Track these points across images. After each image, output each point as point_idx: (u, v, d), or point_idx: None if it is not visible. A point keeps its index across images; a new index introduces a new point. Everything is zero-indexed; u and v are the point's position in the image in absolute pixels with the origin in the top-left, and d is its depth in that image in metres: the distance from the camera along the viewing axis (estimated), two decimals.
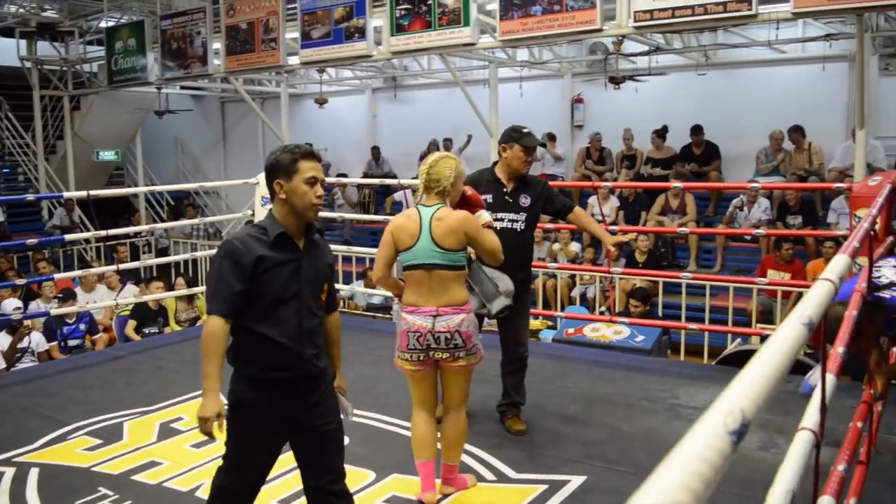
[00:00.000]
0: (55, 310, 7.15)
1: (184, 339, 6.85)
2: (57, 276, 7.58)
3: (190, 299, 8.15)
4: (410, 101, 14.72)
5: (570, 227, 7.56)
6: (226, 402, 2.77)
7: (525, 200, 4.32)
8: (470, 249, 3.82)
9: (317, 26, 9.88)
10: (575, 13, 7.91)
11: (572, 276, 9.15)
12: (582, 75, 12.70)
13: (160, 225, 11.55)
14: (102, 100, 14.29)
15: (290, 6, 10.31)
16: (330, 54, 9.92)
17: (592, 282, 9.09)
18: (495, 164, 4.48)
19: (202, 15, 11.26)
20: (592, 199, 10.13)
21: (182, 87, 14.98)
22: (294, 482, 3.82)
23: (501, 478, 3.85)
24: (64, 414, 4.86)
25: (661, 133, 11.17)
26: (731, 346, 6.46)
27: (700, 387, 4.98)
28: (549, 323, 7.77)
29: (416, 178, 3.92)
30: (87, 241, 11.60)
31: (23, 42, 13.94)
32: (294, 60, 10.69)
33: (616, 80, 10.82)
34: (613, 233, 4.98)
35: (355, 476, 3.83)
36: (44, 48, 14.23)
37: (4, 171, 14.43)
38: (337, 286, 8.34)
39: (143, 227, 10.96)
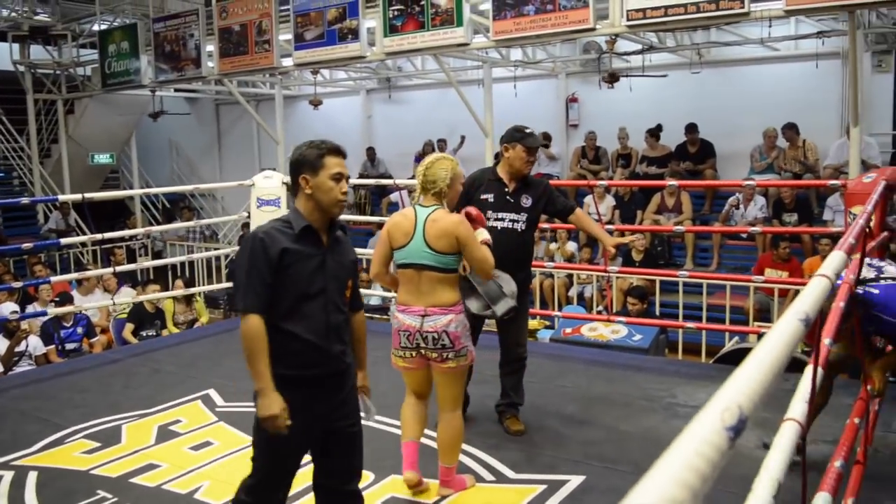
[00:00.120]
0: (52, 310, 7.13)
1: (181, 342, 6.86)
2: (53, 279, 7.58)
3: (188, 301, 8.14)
4: (405, 101, 14.72)
5: (567, 226, 7.56)
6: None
7: (526, 201, 4.32)
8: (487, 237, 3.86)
9: (310, 28, 9.88)
10: (568, 12, 7.92)
11: (569, 276, 9.16)
12: (576, 74, 12.72)
13: (156, 228, 11.53)
14: (96, 103, 14.27)
15: (282, 8, 10.30)
16: (323, 56, 9.91)
17: (590, 281, 9.10)
18: (497, 163, 4.48)
19: (195, 17, 11.24)
20: (588, 199, 10.14)
21: (176, 90, 14.94)
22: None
23: (500, 478, 3.85)
24: (62, 417, 4.86)
25: (654, 132, 11.18)
26: (729, 345, 6.47)
27: (698, 385, 4.99)
28: (547, 323, 7.78)
29: (412, 178, 3.94)
30: (84, 244, 11.58)
31: (15, 46, 13.92)
32: (288, 62, 10.68)
33: (610, 79, 10.84)
34: (610, 233, 4.99)
35: None
36: (37, 52, 14.20)
37: None
38: None
39: (139, 230, 10.94)
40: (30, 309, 8.05)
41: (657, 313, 7.27)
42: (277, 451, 2.76)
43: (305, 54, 10.03)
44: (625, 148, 11.55)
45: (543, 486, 3.70)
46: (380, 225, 3.80)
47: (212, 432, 4.56)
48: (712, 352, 6.43)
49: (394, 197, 12.37)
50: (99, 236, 7.39)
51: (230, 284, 8.39)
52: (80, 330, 7.67)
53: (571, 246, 9.92)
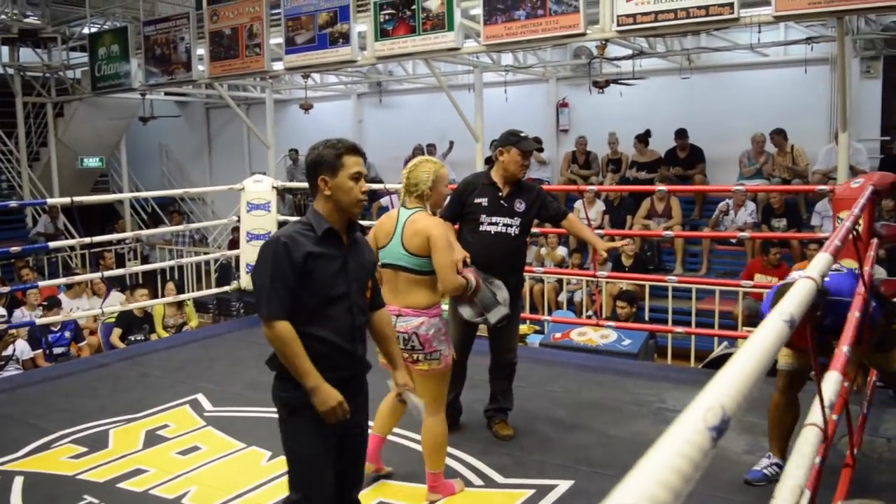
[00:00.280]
0: (40, 319, 7.08)
1: (170, 346, 6.82)
2: (41, 283, 7.53)
3: (178, 304, 8.11)
4: (396, 106, 14.72)
5: (558, 231, 7.57)
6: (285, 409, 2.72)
7: (520, 206, 4.32)
8: (465, 254, 3.87)
9: (301, 32, 9.87)
10: (558, 17, 7.94)
11: (559, 281, 9.17)
12: (566, 79, 12.75)
13: (145, 231, 11.48)
14: (86, 106, 14.22)
15: (273, 12, 10.29)
16: (314, 60, 9.90)
17: (580, 286, 9.11)
18: (490, 167, 4.48)
19: (186, 21, 11.22)
20: (578, 204, 10.16)
21: (166, 94, 14.92)
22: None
23: (489, 483, 3.85)
24: (48, 422, 4.82)
25: (643, 138, 11.22)
26: (718, 350, 6.48)
27: (686, 390, 5.00)
28: (537, 327, 7.78)
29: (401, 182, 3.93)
30: (72, 248, 11.53)
31: (5, 48, 13.86)
32: (279, 66, 10.67)
33: (600, 84, 10.87)
34: (601, 237, 5.00)
35: None
36: (26, 55, 14.14)
37: None
38: None
39: (128, 234, 10.89)
40: (17, 312, 8.01)
41: (646, 318, 7.29)
42: (316, 458, 2.72)
43: (296, 58, 10.02)
44: (615, 153, 11.58)
45: (532, 491, 3.70)
46: (370, 228, 3.82)
47: (200, 437, 4.53)
48: (701, 356, 6.45)
49: (384, 201, 12.36)
50: (87, 240, 7.35)
51: (220, 290, 8.36)
52: (67, 334, 7.62)
53: (562, 251, 9.94)
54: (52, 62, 14.04)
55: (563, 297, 9.06)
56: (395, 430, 4.29)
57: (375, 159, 14.08)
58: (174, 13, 11.85)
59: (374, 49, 9.34)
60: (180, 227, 11.34)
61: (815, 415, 1.95)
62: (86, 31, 13.29)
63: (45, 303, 7.83)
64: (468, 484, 3.81)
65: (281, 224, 7.92)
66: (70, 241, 9.89)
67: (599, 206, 10.54)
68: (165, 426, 4.72)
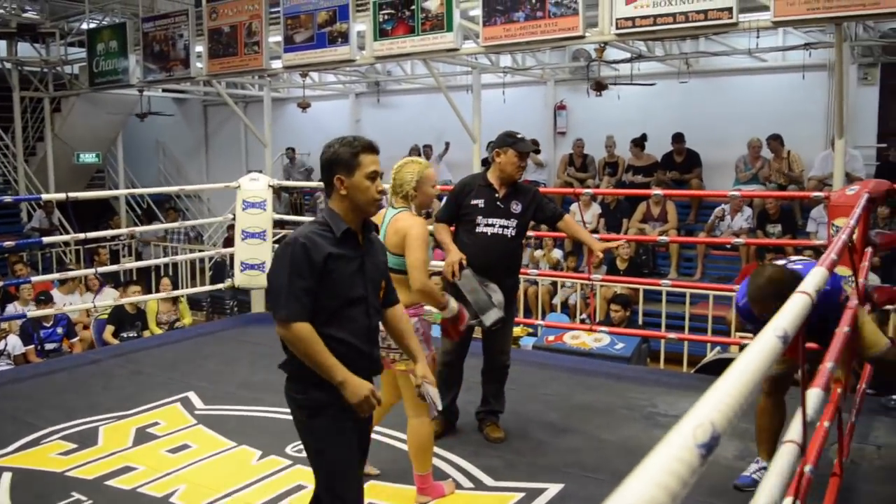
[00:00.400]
0: (32, 312, 7.06)
1: (163, 343, 6.80)
2: (35, 278, 7.51)
3: (173, 300, 8.10)
4: (394, 106, 14.72)
5: (553, 234, 7.56)
6: (302, 411, 2.67)
7: (516, 207, 4.31)
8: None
9: (300, 30, 9.86)
10: (557, 20, 7.94)
11: (553, 283, 9.17)
12: (565, 82, 12.76)
13: (140, 228, 11.46)
14: (83, 102, 14.18)
15: (273, 10, 10.27)
16: (313, 58, 9.89)
17: (574, 289, 9.11)
18: (487, 169, 4.48)
19: (184, 18, 11.19)
20: (574, 206, 10.16)
21: (164, 90, 14.88)
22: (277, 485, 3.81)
23: (479, 485, 3.84)
24: (39, 417, 4.80)
25: (638, 142, 11.23)
26: (710, 355, 6.49)
27: (679, 395, 5.00)
28: (530, 330, 7.78)
29: None
30: (66, 243, 11.49)
31: (3, 43, 13.87)
32: (277, 64, 10.66)
33: (598, 87, 10.88)
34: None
35: None
36: (24, 49, 14.11)
37: None
38: None
39: (122, 231, 10.88)
40: (10, 307, 7.98)
41: (640, 322, 7.29)
42: (346, 457, 2.69)
43: (295, 57, 10.01)
44: (612, 156, 11.59)
45: (522, 494, 3.69)
46: None
47: (190, 435, 4.52)
48: (694, 361, 6.45)
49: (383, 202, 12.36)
50: (82, 236, 7.34)
51: (214, 287, 8.34)
52: (59, 330, 7.61)
53: (557, 253, 9.93)
54: (50, 57, 14.00)
55: (556, 300, 9.06)
56: (385, 430, 4.29)
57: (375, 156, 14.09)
58: (173, 10, 11.81)
59: (372, 49, 9.33)
60: (175, 224, 11.31)
61: (793, 431, 1.94)
62: (84, 26, 13.26)
63: (41, 297, 7.80)
64: (458, 486, 3.80)
65: (277, 223, 7.91)
66: (64, 237, 9.88)
67: (595, 209, 10.55)
68: (156, 424, 4.70)
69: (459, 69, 12.44)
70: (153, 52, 11.60)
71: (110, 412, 4.88)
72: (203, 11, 10.89)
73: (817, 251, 6.68)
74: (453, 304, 3.66)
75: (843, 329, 2.58)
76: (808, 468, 2.10)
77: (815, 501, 2.56)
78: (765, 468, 3.59)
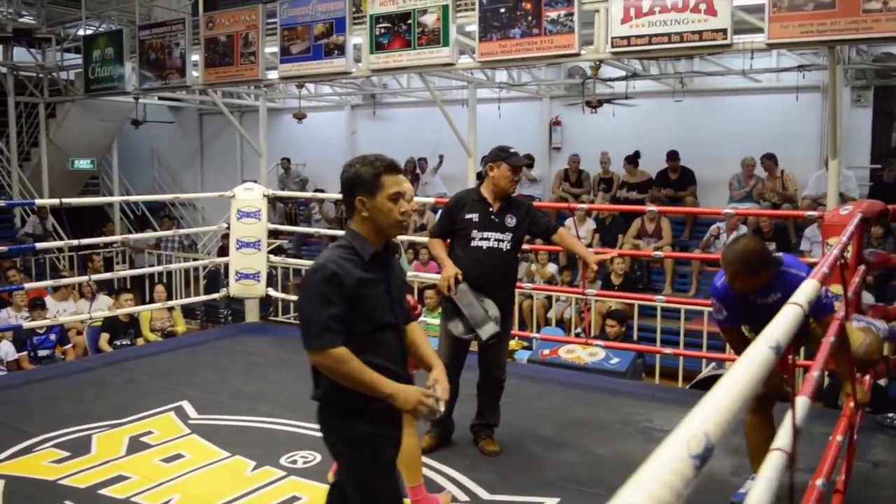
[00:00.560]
0: (27, 323, 7.01)
1: (156, 352, 6.78)
2: (28, 285, 7.47)
3: (168, 308, 8.08)
4: (389, 118, 14.75)
5: (548, 248, 7.59)
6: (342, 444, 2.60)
7: (511, 221, 4.32)
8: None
9: (296, 42, 9.88)
10: (553, 37, 7.99)
11: (548, 298, 9.18)
12: (560, 98, 12.82)
13: (135, 235, 11.42)
14: (79, 108, 14.15)
15: (269, 21, 10.30)
16: (309, 70, 9.91)
17: (569, 304, 9.13)
18: (480, 183, 4.50)
19: (181, 26, 11.20)
20: (569, 222, 10.20)
21: (160, 98, 14.89)
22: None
23: (474, 499, 3.83)
24: (31, 425, 4.78)
25: (632, 159, 11.30)
26: (706, 371, 6.51)
27: (674, 410, 5.01)
28: (525, 343, 7.78)
29: None
30: (60, 249, 11.45)
31: None
32: (273, 75, 10.68)
33: (593, 105, 10.94)
34: None
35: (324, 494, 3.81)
36: (20, 54, 14.08)
37: None
38: None
39: (116, 238, 10.84)
40: (2, 314, 7.94)
41: (635, 337, 7.30)
42: (395, 485, 2.67)
43: (291, 68, 10.03)
44: (606, 172, 11.64)
45: None
46: None
47: (184, 445, 4.50)
48: (689, 377, 6.47)
49: None
50: (76, 242, 7.32)
51: (209, 297, 8.31)
52: (52, 336, 7.58)
53: (552, 268, 9.96)
54: (46, 62, 13.98)
55: (551, 314, 9.07)
56: None
57: None
58: (170, 18, 11.83)
59: (368, 61, 9.36)
60: (169, 233, 11.27)
61: (782, 439, 1.95)
62: (81, 32, 13.27)
63: (38, 302, 7.76)
64: (454, 499, 3.79)
65: (271, 233, 7.90)
66: (58, 243, 9.84)
67: (590, 224, 10.58)
68: (149, 433, 4.68)
69: (455, 83, 12.50)
70: (149, 59, 11.60)
71: (103, 420, 4.86)
72: (200, 21, 10.91)
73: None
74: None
75: (829, 339, 2.60)
76: (819, 482, 2.11)
77: None
78: None
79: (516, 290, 4.74)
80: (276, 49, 10.19)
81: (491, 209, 4.32)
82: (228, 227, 7.47)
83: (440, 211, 4.59)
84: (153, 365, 6.27)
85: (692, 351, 6.49)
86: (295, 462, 4.23)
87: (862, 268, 4.43)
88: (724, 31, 7.06)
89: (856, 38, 6.71)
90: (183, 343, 7.28)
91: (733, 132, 11.01)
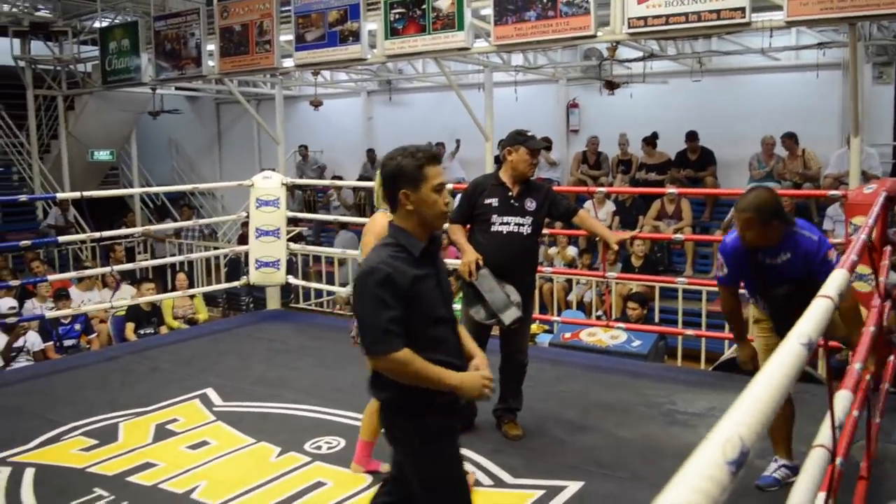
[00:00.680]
0: (51, 313, 7.08)
1: (179, 340, 6.85)
2: (51, 277, 7.56)
3: (191, 295, 8.17)
4: (406, 104, 14.73)
5: (568, 231, 7.55)
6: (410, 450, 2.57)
7: (530, 204, 4.30)
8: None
9: (311, 29, 9.87)
10: (569, 19, 7.92)
11: (568, 281, 9.15)
12: (577, 80, 12.74)
13: (156, 226, 11.50)
14: (96, 100, 14.24)
15: (284, 9, 10.28)
16: (324, 57, 9.90)
17: (589, 286, 9.10)
18: (498, 168, 4.48)
19: (196, 16, 11.22)
20: (588, 204, 10.13)
21: (176, 88, 14.94)
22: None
23: (498, 483, 3.85)
24: (59, 414, 4.85)
25: (650, 140, 11.21)
26: (728, 352, 6.45)
27: (697, 392, 4.98)
28: (546, 327, 7.76)
29: None
30: (82, 240, 11.56)
31: (16, 41, 13.89)
32: (288, 63, 10.68)
33: (611, 86, 10.86)
34: None
35: (352, 480, 3.84)
36: (37, 48, 14.17)
37: None
38: (335, 288, 8.32)
39: (137, 229, 10.94)
40: (28, 304, 8.04)
41: (656, 319, 7.26)
42: (463, 476, 2.64)
43: (306, 55, 10.02)
44: (625, 154, 11.57)
45: (542, 492, 3.70)
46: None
47: (209, 432, 4.55)
48: (712, 358, 6.42)
49: None
50: (97, 234, 7.40)
51: (230, 284, 8.36)
52: (77, 326, 7.66)
53: (572, 250, 9.92)
54: (63, 55, 14.07)
55: (572, 297, 9.05)
56: None
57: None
58: (184, 8, 11.84)
59: (384, 47, 9.33)
60: (190, 223, 11.35)
61: (823, 435, 1.93)
62: (97, 24, 13.32)
63: (62, 292, 7.84)
64: (477, 483, 3.80)
65: (290, 220, 7.93)
66: (80, 236, 9.94)
67: (609, 206, 10.52)
68: (175, 420, 4.74)
69: (471, 67, 12.44)
70: (165, 50, 11.64)
71: (130, 408, 4.92)
72: (214, 10, 10.92)
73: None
74: None
75: (869, 329, 2.57)
76: (838, 461, 2.09)
77: (844, 496, 2.56)
78: (785, 466, 3.60)
79: (537, 274, 4.73)
80: (290, 37, 10.19)
81: (510, 193, 4.30)
82: (248, 216, 7.50)
83: (459, 196, 4.57)
84: (177, 353, 6.32)
85: (715, 332, 6.44)
86: (319, 448, 4.26)
87: (888, 248, 4.37)
88: (743, 9, 6.97)
89: (877, 13, 6.60)
90: (205, 331, 7.34)
91: (753, 111, 10.90)
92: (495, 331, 4.39)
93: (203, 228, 13.40)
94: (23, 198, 11.05)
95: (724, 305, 3.92)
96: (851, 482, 2.91)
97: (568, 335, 6.71)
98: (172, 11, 12.05)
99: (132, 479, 3.94)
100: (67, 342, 7.46)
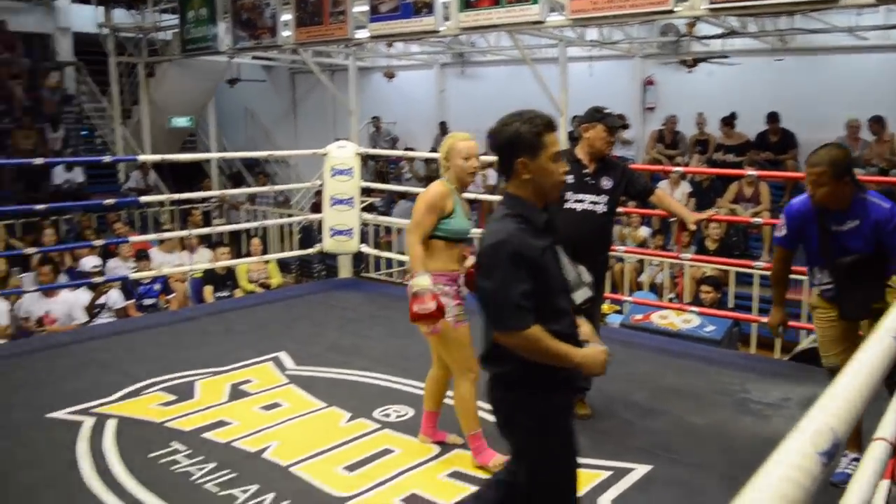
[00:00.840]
0: (134, 274, 7.32)
1: (253, 304, 7.01)
2: (133, 238, 7.81)
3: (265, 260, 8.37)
4: (478, 77, 14.66)
5: (641, 211, 7.41)
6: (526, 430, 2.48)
7: (607, 183, 4.23)
8: None
9: (385, 1, 9.86)
10: None
11: (640, 261, 9.02)
12: (653, 57, 12.47)
13: (231, 191, 11.76)
14: (176, 67, 14.55)
15: None
16: (398, 28, 9.88)
17: (661, 268, 8.95)
18: (574, 145, 4.42)
19: None
20: (663, 184, 9.96)
21: (253, 58, 15.16)
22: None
23: None
24: (139, 369, 5.02)
25: (728, 120, 10.92)
26: (805, 342, 6.28)
27: (771, 382, 4.86)
28: (617, 307, 7.66)
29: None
30: (162, 203, 11.90)
31: (100, 9, 14.28)
32: (362, 34, 10.70)
33: (689, 63, 10.59)
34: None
35: (420, 449, 3.88)
36: (120, 16, 14.53)
37: (83, 133, 14.81)
38: (406, 258, 8.41)
39: (215, 193, 11.21)
40: (110, 263, 8.33)
41: (730, 305, 7.10)
42: (575, 468, 2.56)
43: (380, 27, 10.03)
44: (702, 134, 11.30)
45: (609, 473, 3.67)
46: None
47: (282, 394, 4.65)
48: (787, 348, 6.25)
49: None
50: (177, 196, 7.60)
51: (303, 252, 8.51)
52: (157, 286, 7.90)
53: (644, 231, 9.77)
54: (144, 23, 14.40)
55: (643, 278, 8.92)
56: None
57: (457, 129, 13.99)
58: None
59: (457, 20, 9.27)
60: (265, 189, 11.57)
61: (885, 428, 1.86)
62: None
63: (143, 251, 8.13)
64: None
65: (364, 190, 7.99)
66: (160, 197, 10.24)
67: (685, 187, 10.30)
68: (249, 381, 4.85)
69: (545, 41, 12.28)
70: (241, 19, 11.78)
71: (206, 367, 5.06)
72: None
73: None
74: (420, 280, 3.56)
75: None
76: None
77: None
78: (856, 459, 3.50)
79: (608, 254, 4.66)
80: (365, 8, 10.20)
81: (586, 171, 4.24)
82: (322, 184, 7.58)
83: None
84: (251, 316, 6.47)
85: (791, 321, 6.29)
86: (388, 415, 4.32)
87: None
88: None
89: None
90: (279, 296, 7.49)
91: (838, 93, 10.49)
92: None
93: (277, 196, 13.64)
94: (107, 158, 11.42)
95: (775, 265, 3.88)
96: None
97: (639, 317, 6.61)
98: None
99: (207, 435, 4.06)
100: (147, 301, 7.71)
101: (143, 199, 8.15)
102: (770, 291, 6.46)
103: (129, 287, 7.60)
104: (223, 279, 8.06)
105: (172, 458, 3.79)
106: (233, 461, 3.76)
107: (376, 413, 4.33)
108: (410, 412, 4.33)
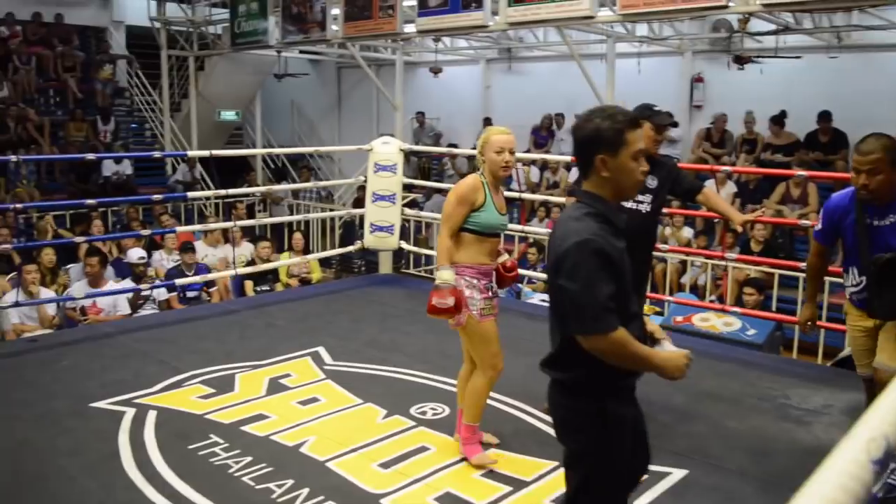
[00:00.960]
0: (180, 280, 7.41)
1: (294, 299, 7.08)
2: (179, 228, 7.93)
3: (304, 253, 8.43)
4: (525, 73, 14.58)
5: (684, 212, 7.30)
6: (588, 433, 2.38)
7: (652, 182, 4.15)
8: None
9: None
10: None
11: (682, 262, 8.90)
12: (703, 53, 12.26)
13: (277, 187, 11.89)
14: (225, 61, 14.76)
15: None
16: (446, 23, 9.86)
17: (703, 270, 8.82)
18: None
19: None
20: (709, 183, 9.79)
21: (300, 52, 15.30)
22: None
23: None
24: (181, 361, 5.11)
25: (778, 119, 10.68)
26: (848, 348, 6.14)
27: (813, 388, 4.77)
28: (657, 308, 7.58)
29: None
30: (207, 196, 12.10)
31: (153, 3, 14.56)
32: (410, 28, 10.72)
33: (740, 60, 10.40)
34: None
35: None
36: (172, 9, 14.79)
37: (133, 126, 15.13)
38: None
39: (260, 188, 11.34)
40: (155, 255, 8.48)
41: (773, 308, 6.97)
42: (629, 468, 2.49)
43: (428, 21, 10.02)
44: (750, 133, 11.08)
45: (645, 476, 3.62)
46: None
47: (320, 389, 4.69)
48: (830, 353, 6.12)
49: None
50: (223, 192, 7.72)
51: (344, 249, 8.55)
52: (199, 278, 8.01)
53: (687, 232, 9.63)
54: (196, 17, 14.63)
55: (685, 279, 8.80)
56: (507, 399, 4.35)
57: (503, 126, 14.02)
58: None
59: (506, 14, 9.21)
60: (309, 185, 11.69)
61: None
62: None
63: (183, 247, 8.25)
64: None
65: (406, 187, 8.01)
66: (207, 192, 10.40)
67: (731, 187, 10.12)
68: (287, 375, 4.90)
69: (593, 37, 12.17)
70: (291, 14, 11.89)
71: (246, 361, 5.13)
72: None
73: None
74: (443, 274, 3.60)
75: None
76: None
77: None
78: None
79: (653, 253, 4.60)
80: (413, 2, 10.21)
81: None
82: (365, 180, 7.62)
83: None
84: (291, 311, 6.54)
85: (835, 325, 6.15)
86: (424, 413, 4.33)
87: None
88: None
89: None
90: (319, 291, 7.56)
91: (894, 92, 10.20)
92: None
93: (320, 191, 13.76)
94: (156, 154, 11.62)
95: (809, 260, 3.86)
96: None
97: (680, 318, 6.53)
98: None
99: (246, 428, 4.11)
100: (190, 293, 7.83)
101: (191, 194, 8.28)
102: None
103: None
104: (264, 273, 8.15)
105: (211, 450, 3.84)
106: (270, 455, 3.79)
107: (413, 410, 4.34)
108: (447, 410, 4.34)
